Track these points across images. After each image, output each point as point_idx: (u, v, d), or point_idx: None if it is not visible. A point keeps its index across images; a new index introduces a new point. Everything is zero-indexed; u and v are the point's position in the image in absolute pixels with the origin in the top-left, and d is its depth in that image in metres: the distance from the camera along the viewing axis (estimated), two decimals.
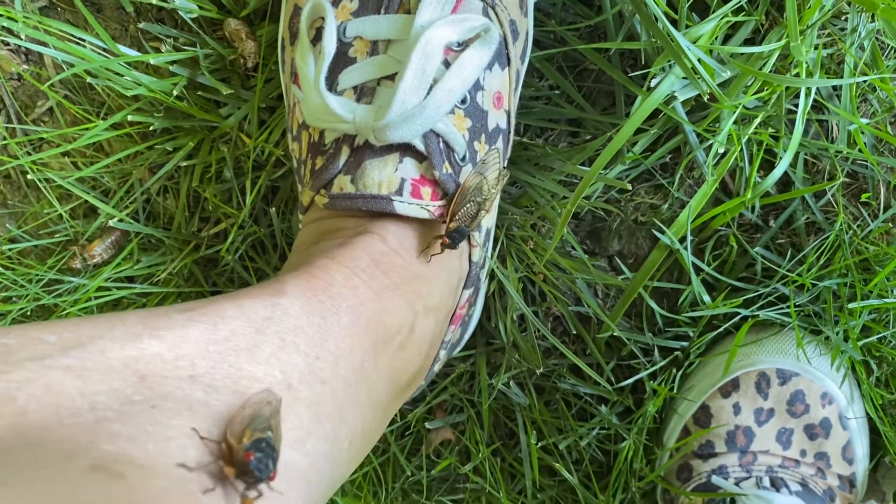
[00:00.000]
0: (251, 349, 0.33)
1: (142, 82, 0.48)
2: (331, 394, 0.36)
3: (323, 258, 0.40)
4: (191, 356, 0.32)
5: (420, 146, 0.41)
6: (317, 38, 0.43)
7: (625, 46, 0.45)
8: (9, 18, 0.50)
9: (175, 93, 0.49)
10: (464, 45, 0.42)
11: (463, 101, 0.42)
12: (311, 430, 0.34)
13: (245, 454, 0.26)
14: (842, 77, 0.48)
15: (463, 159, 0.43)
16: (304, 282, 0.38)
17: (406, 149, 0.41)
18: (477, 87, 0.43)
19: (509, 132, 0.46)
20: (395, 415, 0.58)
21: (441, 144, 0.41)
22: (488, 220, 0.47)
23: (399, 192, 0.41)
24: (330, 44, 0.42)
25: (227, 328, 0.34)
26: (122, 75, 0.48)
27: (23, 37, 0.51)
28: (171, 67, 0.49)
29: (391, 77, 0.41)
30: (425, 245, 0.43)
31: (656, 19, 0.42)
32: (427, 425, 0.57)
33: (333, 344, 0.37)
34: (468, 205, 0.41)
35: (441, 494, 0.60)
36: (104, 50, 0.50)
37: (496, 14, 0.44)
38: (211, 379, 0.31)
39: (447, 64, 0.41)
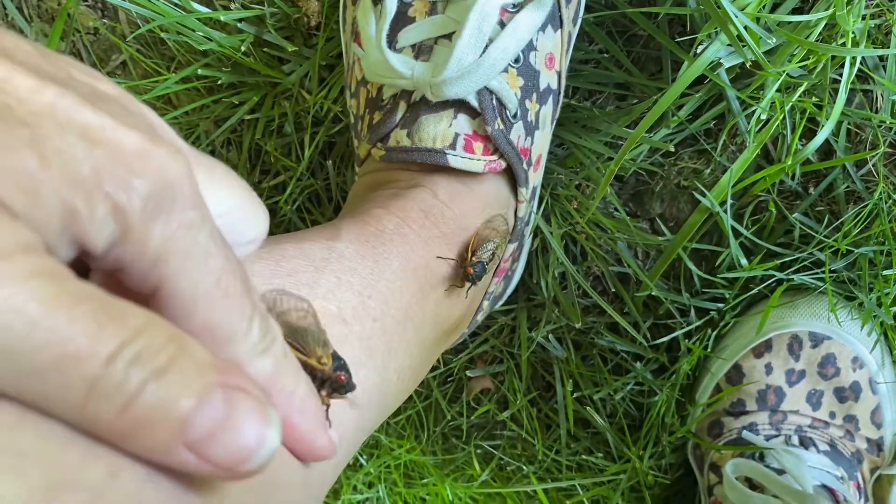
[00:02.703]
0: (311, 284, 0.36)
1: (213, 38, 0.51)
2: (381, 330, 0.38)
3: (376, 207, 0.43)
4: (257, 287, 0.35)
5: (474, 102, 0.43)
6: None
7: (673, 12, 0.47)
8: None
9: (242, 49, 0.52)
10: (519, 6, 0.44)
11: (516, 61, 0.44)
12: (363, 361, 0.37)
13: (336, 375, 0.28)
14: (888, 47, 0.49)
15: (514, 116, 0.45)
16: (359, 228, 0.41)
17: (460, 105, 0.43)
18: (530, 47, 0.45)
19: (559, 93, 0.48)
20: (439, 362, 0.61)
21: (494, 101, 0.43)
22: (535, 178, 0.49)
23: (452, 146, 0.43)
24: (391, 3, 0.44)
25: (289, 265, 0.36)
26: (195, 31, 0.51)
27: None
28: (238, 25, 0.52)
29: (448, 36, 0.44)
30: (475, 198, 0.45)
31: None
32: (468, 373, 0.60)
33: (384, 286, 0.39)
34: (487, 243, 0.44)
35: (478, 440, 0.63)
36: (175, 6, 0.53)
37: None
38: None
39: (502, 24, 0.43)
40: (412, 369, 0.43)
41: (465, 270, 0.42)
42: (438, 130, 0.43)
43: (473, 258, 0.43)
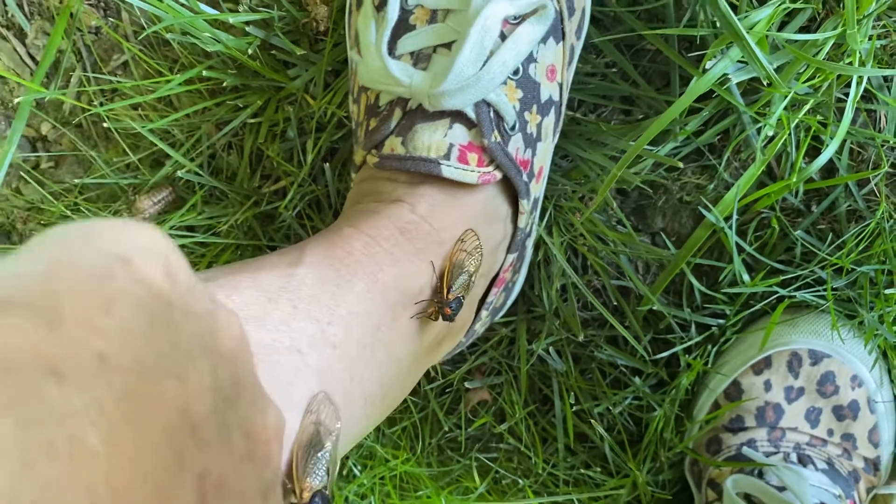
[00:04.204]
0: (261, 318, 0.35)
1: (221, 40, 0.51)
2: (341, 357, 0.37)
3: (347, 226, 0.42)
4: None
5: (471, 114, 0.43)
6: (381, 6, 0.45)
7: (687, 33, 0.47)
8: None
9: (249, 51, 0.51)
10: (520, 18, 0.44)
11: (515, 73, 0.44)
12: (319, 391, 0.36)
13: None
14: (893, 67, 0.50)
15: (513, 128, 0.44)
16: (323, 251, 0.40)
17: (457, 115, 0.43)
18: (530, 59, 0.44)
19: (561, 104, 0.48)
20: (437, 373, 0.61)
21: (491, 113, 0.43)
22: (536, 189, 0.49)
23: (447, 156, 0.43)
24: (393, 11, 0.44)
25: (241, 299, 0.35)
26: (203, 32, 0.51)
27: None
28: (246, 28, 0.52)
29: (447, 45, 0.43)
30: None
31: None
32: (466, 385, 0.60)
33: (346, 310, 0.38)
34: (461, 276, 0.43)
35: (475, 452, 0.62)
36: (182, 6, 0.52)
37: None
38: None
39: (503, 36, 0.43)
40: (386, 390, 0.42)
41: (444, 311, 0.42)
42: (433, 140, 0.43)
43: (450, 295, 0.42)
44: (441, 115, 0.43)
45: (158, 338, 0.18)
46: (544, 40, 0.45)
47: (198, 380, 0.18)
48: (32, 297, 0.17)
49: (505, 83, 0.44)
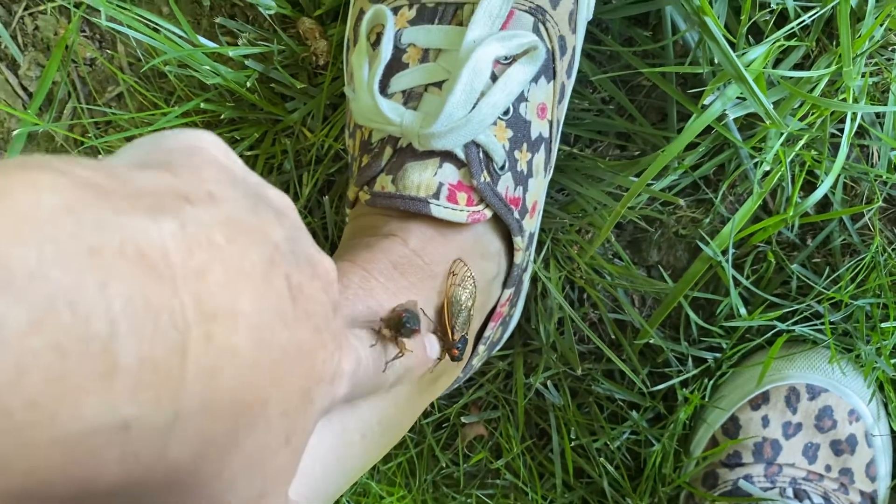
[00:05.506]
0: None
1: (219, 72, 0.51)
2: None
3: (342, 261, 0.42)
4: None
5: (461, 154, 0.43)
6: (376, 43, 0.45)
7: (689, 70, 0.47)
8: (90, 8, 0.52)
9: (248, 84, 0.51)
10: (511, 58, 0.44)
11: (506, 113, 0.44)
12: (317, 427, 0.36)
13: (398, 313, 0.36)
14: (886, 104, 0.50)
15: (502, 168, 0.44)
16: None
17: (446, 154, 0.43)
18: (520, 98, 0.45)
19: (552, 141, 0.48)
20: (433, 408, 0.60)
21: (481, 154, 0.43)
22: (531, 224, 0.49)
23: (436, 195, 0.43)
24: (387, 49, 0.44)
25: None
26: (202, 64, 0.51)
27: (103, 17, 0.53)
28: (245, 61, 0.52)
29: (438, 84, 0.44)
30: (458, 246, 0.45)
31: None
32: (462, 419, 0.59)
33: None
34: (462, 314, 0.43)
35: (470, 489, 0.61)
36: (180, 38, 0.52)
37: (546, 29, 0.46)
38: None
39: (494, 77, 0.43)
40: (385, 424, 0.41)
41: (451, 353, 0.41)
42: (423, 179, 0.43)
43: (455, 336, 0.42)
44: (431, 154, 0.43)
45: (238, 189, 0.24)
46: (535, 79, 0.45)
47: (268, 217, 0.24)
48: (147, 163, 0.23)
49: (495, 123, 0.44)
